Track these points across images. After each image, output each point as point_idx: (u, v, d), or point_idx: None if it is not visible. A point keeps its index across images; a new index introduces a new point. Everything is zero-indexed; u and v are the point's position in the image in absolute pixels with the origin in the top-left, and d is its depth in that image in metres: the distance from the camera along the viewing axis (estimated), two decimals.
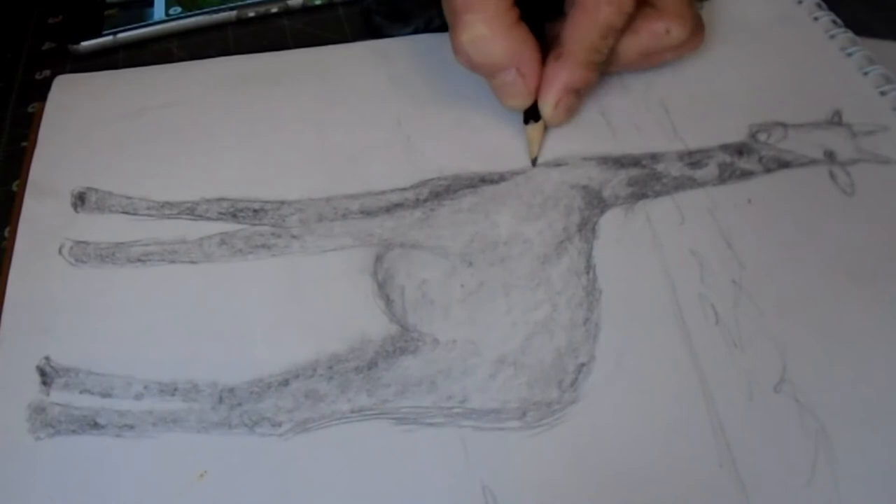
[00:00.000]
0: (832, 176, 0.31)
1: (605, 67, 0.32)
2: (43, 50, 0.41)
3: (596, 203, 0.31)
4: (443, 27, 0.38)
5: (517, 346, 0.27)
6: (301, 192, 0.32)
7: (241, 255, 0.30)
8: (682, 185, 0.31)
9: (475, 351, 0.27)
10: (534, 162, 0.32)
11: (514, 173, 0.32)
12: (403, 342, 0.27)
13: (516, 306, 0.28)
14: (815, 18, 0.37)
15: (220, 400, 0.26)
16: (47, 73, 0.39)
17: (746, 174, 0.31)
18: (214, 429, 0.26)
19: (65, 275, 0.29)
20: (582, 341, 0.27)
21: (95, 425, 0.26)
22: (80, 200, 0.32)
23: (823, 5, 0.37)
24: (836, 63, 0.35)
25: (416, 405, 0.26)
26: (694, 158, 0.32)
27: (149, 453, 0.25)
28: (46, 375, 0.27)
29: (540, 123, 0.32)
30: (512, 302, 0.28)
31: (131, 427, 0.26)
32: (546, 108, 0.31)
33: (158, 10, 0.41)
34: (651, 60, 0.33)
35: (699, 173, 0.31)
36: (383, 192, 0.31)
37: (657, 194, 0.31)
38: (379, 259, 0.29)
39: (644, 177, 0.31)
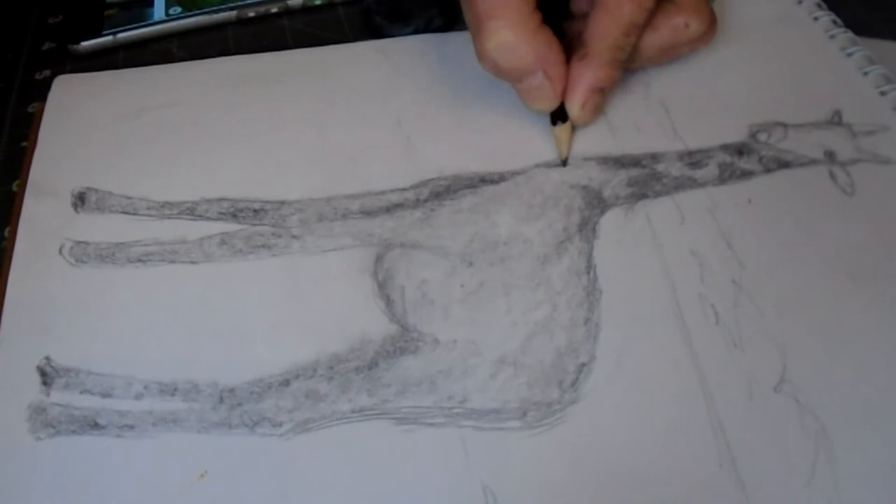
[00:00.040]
0: (832, 176, 0.31)
1: (627, 64, 0.32)
2: (43, 50, 0.41)
3: (596, 203, 0.31)
4: (443, 27, 0.38)
5: (517, 346, 0.27)
6: (301, 192, 0.32)
7: (242, 255, 0.30)
8: (682, 185, 0.31)
9: (475, 351, 0.27)
10: (564, 162, 0.32)
11: (514, 173, 0.32)
12: (404, 342, 0.27)
13: (516, 306, 0.28)
14: (815, 18, 0.37)
15: (221, 400, 0.26)
16: (47, 73, 0.39)
17: (746, 174, 0.31)
18: (215, 429, 0.26)
19: (65, 275, 0.29)
20: (582, 341, 0.27)
21: (96, 425, 0.26)
22: (80, 200, 0.32)
23: (823, 5, 0.37)
24: (836, 63, 0.35)
25: (417, 405, 0.26)
26: (694, 158, 0.32)
27: (149, 453, 0.25)
28: (47, 375, 0.27)
29: (568, 124, 0.32)
30: (512, 302, 0.28)
31: (131, 427, 0.26)
32: (573, 109, 0.31)
33: (158, 10, 0.41)
34: (670, 54, 0.33)
35: (699, 173, 0.31)
36: (383, 192, 0.31)
37: (657, 194, 0.31)
38: (379, 259, 0.29)
39: (644, 177, 0.31)
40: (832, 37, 0.36)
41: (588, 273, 0.29)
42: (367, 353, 0.27)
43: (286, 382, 0.26)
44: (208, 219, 0.31)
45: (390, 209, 0.31)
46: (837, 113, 0.33)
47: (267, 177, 0.32)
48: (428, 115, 0.34)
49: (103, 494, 0.24)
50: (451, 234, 0.30)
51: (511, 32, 0.29)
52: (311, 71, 0.36)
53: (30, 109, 0.37)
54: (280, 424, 0.26)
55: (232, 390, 0.26)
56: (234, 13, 0.41)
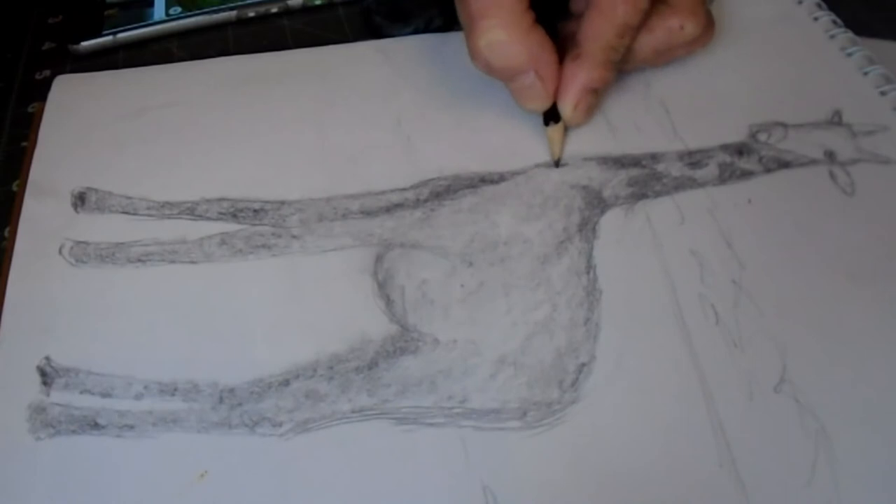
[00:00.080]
0: (832, 176, 0.31)
1: (621, 65, 0.32)
2: (43, 50, 0.41)
3: (596, 203, 0.31)
4: (443, 27, 0.38)
5: (517, 346, 0.27)
6: (301, 192, 0.32)
7: (242, 255, 0.30)
8: (682, 185, 0.31)
9: (475, 351, 0.27)
10: (557, 163, 0.32)
11: (514, 173, 0.32)
12: (404, 342, 0.27)
13: (516, 306, 0.28)
14: (815, 18, 0.37)
15: (221, 400, 0.26)
16: (47, 73, 0.39)
17: (746, 174, 0.31)
18: (215, 429, 0.26)
19: (65, 275, 0.29)
20: (582, 341, 0.27)
21: (96, 425, 0.26)
22: (80, 200, 0.32)
23: (823, 5, 0.37)
24: (836, 63, 0.35)
25: (417, 405, 0.26)
26: (694, 158, 0.32)
27: (149, 453, 0.25)
28: (47, 375, 0.27)
29: (560, 125, 0.32)
30: (512, 302, 0.28)
31: (131, 427, 0.26)
32: (566, 110, 0.31)
33: (158, 10, 0.41)
34: (664, 57, 0.33)
35: (699, 173, 0.31)
36: (383, 192, 0.31)
37: (657, 194, 0.31)
38: (379, 259, 0.29)
39: (644, 177, 0.31)
40: (832, 37, 0.36)
41: (588, 273, 0.29)
42: (367, 353, 0.27)
43: (286, 382, 0.26)
44: (208, 219, 0.31)
45: (390, 209, 0.31)
46: (837, 113, 0.33)
47: (267, 177, 0.32)
48: (428, 115, 0.34)
49: (103, 494, 0.24)
50: (451, 234, 0.30)
51: (503, 31, 0.29)
52: (311, 71, 0.36)
53: (30, 109, 0.37)
54: (280, 424, 0.26)
55: (232, 390, 0.26)
56: (234, 13, 0.41)
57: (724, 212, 0.30)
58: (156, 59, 0.39)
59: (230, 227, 0.31)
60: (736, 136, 0.32)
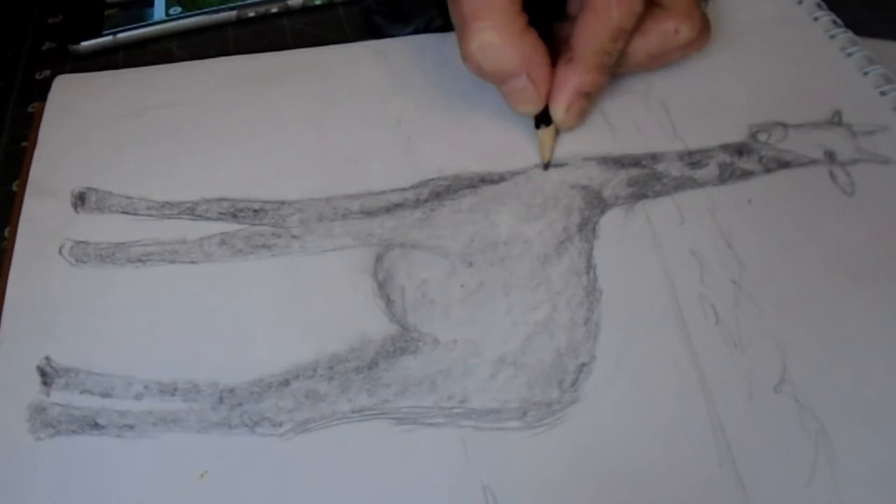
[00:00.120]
0: (832, 176, 0.31)
1: (615, 69, 0.32)
2: (43, 50, 0.41)
3: (596, 203, 0.31)
4: (443, 27, 0.38)
5: (517, 346, 0.27)
6: (301, 192, 0.32)
7: (242, 255, 0.30)
8: (682, 185, 0.31)
9: (475, 351, 0.27)
10: (546, 166, 0.32)
11: (514, 173, 0.32)
12: (404, 342, 0.27)
13: (516, 306, 0.28)
14: (815, 18, 0.37)
15: (221, 400, 0.26)
16: (47, 73, 0.39)
17: (746, 174, 0.31)
18: (215, 429, 0.26)
19: (65, 275, 0.29)
20: (582, 341, 0.27)
21: (96, 425, 0.26)
22: (80, 200, 0.32)
23: (823, 5, 0.37)
24: (836, 63, 0.35)
25: (417, 405, 0.26)
26: (694, 158, 0.32)
27: (149, 453, 0.25)
28: (47, 375, 0.27)
29: (551, 128, 0.32)
30: (512, 302, 0.28)
31: (131, 427, 0.26)
32: (558, 113, 0.31)
33: (158, 10, 0.41)
34: (659, 61, 0.33)
35: (699, 173, 0.31)
36: (383, 192, 0.31)
37: (657, 194, 0.31)
38: (379, 259, 0.29)
39: (644, 177, 0.31)
40: (832, 37, 0.36)
41: (588, 273, 0.29)
42: (367, 353, 0.27)
43: (286, 382, 0.26)
44: (208, 219, 0.31)
45: (390, 209, 0.31)
46: (837, 113, 0.33)
47: (267, 177, 0.32)
48: (428, 115, 0.34)
49: (103, 494, 0.24)
50: (451, 234, 0.30)
51: (495, 34, 0.29)
52: (311, 71, 0.36)
53: (30, 109, 0.37)
54: (280, 424, 0.26)
55: (232, 390, 0.26)
56: (234, 13, 0.41)
57: (724, 212, 0.30)
58: (156, 59, 0.38)
59: (230, 227, 0.31)
60: (736, 136, 0.32)
